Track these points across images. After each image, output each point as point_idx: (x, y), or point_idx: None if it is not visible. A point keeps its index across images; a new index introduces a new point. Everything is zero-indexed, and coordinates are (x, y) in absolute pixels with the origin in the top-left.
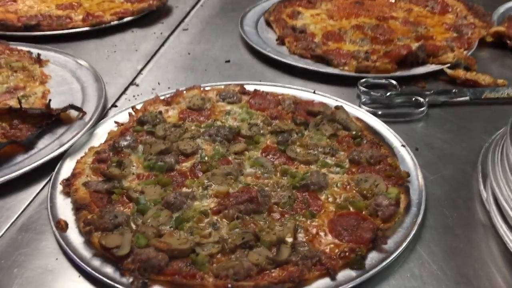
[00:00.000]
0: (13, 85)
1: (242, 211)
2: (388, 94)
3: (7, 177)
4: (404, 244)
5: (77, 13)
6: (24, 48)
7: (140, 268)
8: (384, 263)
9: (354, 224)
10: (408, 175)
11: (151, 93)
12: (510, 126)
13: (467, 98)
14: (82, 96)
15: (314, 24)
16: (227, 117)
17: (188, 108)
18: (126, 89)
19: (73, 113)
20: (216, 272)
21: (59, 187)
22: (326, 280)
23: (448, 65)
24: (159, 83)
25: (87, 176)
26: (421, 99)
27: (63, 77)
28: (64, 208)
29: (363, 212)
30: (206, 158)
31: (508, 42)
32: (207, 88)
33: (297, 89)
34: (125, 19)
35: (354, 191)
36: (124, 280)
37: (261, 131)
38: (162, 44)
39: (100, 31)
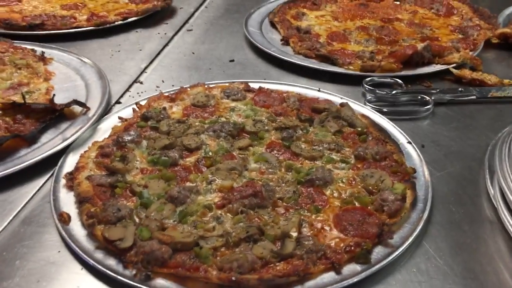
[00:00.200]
0: (17, 81)
1: (247, 205)
2: (394, 92)
3: (10, 170)
4: (411, 239)
5: (82, 13)
6: (28, 46)
7: (143, 261)
8: (390, 258)
9: (360, 219)
10: (414, 171)
11: (155, 91)
12: None
13: (473, 96)
14: (86, 92)
15: (319, 25)
16: (232, 114)
17: (192, 105)
18: (130, 86)
19: (77, 108)
20: (220, 265)
21: (62, 181)
22: (331, 274)
23: (454, 65)
24: (163, 81)
25: (90, 170)
26: (427, 97)
27: (67, 74)
28: (67, 202)
29: (369, 207)
30: (210, 153)
31: None
32: (211, 86)
33: (302, 87)
34: (129, 19)
35: (360, 187)
36: (127, 272)
37: (266, 127)
38: (166, 44)
39: (104, 31)
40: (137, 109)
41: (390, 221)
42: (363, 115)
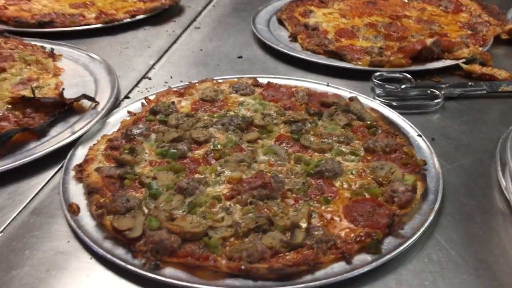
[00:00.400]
0: (26, 76)
1: (256, 196)
2: (403, 86)
3: (19, 162)
4: (422, 230)
5: (90, 11)
6: (37, 43)
7: (152, 250)
8: (401, 248)
9: (370, 210)
10: (425, 163)
11: (163, 86)
12: None
13: (483, 91)
14: (95, 87)
15: (327, 22)
16: (240, 108)
17: (201, 100)
18: (138, 82)
19: (86, 103)
20: (229, 255)
21: (72, 173)
22: (342, 264)
23: (464, 60)
24: (171, 77)
25: (99, 162)
26: (437, 92)
27: (76, 70)
28: (76, 193)
29: (379, 199)
30: (219, 146)
31: None
32: (220, 81)
33: (310, 82)
34: (138, 17)
35: (370, 178)
36: (136, 261)
37: (275, 121)
38: (175, 41)
39: (112, 28)
40: (146, 103)
41: (401, 212)
42: (373, 109)
